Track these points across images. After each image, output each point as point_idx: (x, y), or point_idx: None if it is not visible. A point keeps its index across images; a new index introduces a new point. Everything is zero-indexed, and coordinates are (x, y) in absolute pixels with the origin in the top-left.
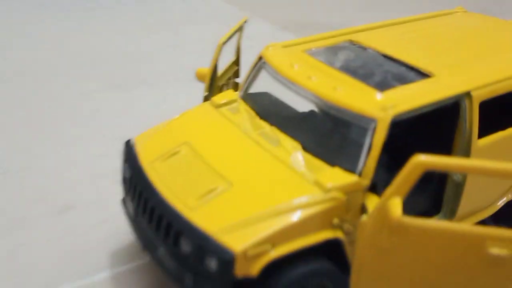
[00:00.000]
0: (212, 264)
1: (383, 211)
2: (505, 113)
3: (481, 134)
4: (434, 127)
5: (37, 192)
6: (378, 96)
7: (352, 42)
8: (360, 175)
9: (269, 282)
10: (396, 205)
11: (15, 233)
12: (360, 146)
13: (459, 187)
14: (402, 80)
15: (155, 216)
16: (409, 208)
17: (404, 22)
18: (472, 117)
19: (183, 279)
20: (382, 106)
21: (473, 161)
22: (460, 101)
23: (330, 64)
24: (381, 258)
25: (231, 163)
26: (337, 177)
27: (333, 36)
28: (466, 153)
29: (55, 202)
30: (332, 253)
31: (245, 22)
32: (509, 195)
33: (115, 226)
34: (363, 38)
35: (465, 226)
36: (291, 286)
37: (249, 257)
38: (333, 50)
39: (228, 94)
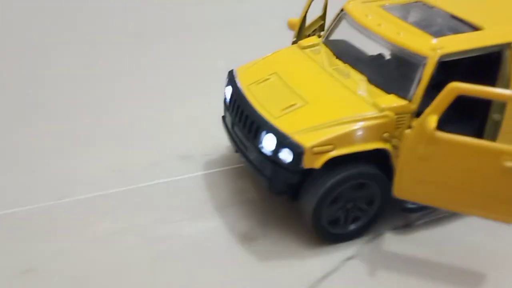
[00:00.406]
0: (287, 155)
1: (422, 124)
2: None
3: None
4: (480, 70)
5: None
6: (432, 40)
7: (421, 2)
8: (410, 101)
9: (329, 174)
10: (431, 120)
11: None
12: (413, 78)
13: (497, 125)
14: (455, 31)
15: (248, 122)
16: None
17: None
18: None
19: (265, 169)
20: (433, 47)
21: (496, 89)
22: (502, 50)
23: (398, 16)
24: (418, 163)
25: (308, 88)
26: (391, 101)
27: None
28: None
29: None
30: (382, 162)
31: None
32: None
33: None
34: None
35: (485, 142)
36: (345, 180)
37: (314, 152)
38: (404, 6)
39: (312, 39)
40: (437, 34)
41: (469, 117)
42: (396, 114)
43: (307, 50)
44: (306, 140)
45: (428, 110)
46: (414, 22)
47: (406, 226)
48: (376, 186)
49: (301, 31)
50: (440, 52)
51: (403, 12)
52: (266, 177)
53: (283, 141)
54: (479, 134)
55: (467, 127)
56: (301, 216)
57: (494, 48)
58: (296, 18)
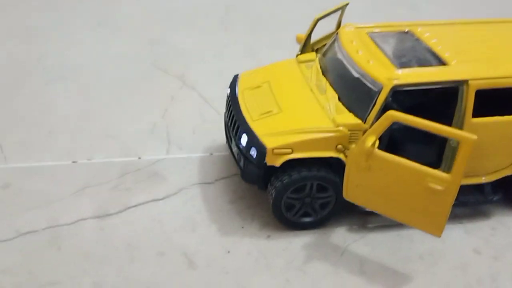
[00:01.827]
0: (254, 153)
1: (362, 142)
2: (502, 104)
3: (477, 114)
4: (440, 100)
5: None
6: (395, 70)
7: (408, 32)
8: (363, 121)
9: (288, 173)
10: (369, 139)
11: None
12: (369, 102)
13: (454, 150)
14: (422, 64)
15: (233, 120)
16: (421, 158)
17: (471, 23)
18: (468, 100)
19: (239, 161)
20: (389, 77)
21: (430, 122)
22: (459, 86)
23: (378, 44)
24: (360, 173)
25: (287, 98)
26: (347, 119)
27: (399, 25)
28: (461, 126)
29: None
30: (337, 168)
31: (347, 5)
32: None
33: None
34: (419, 30)
35: (412, 163)
36: (299, 180)
37: (275, 153)
38: (389, 35)
39: (310, 55)
40: (403, 65)
41: (431, 140)
42: (350, 130)
43: (302, 65)
44: (270, 143)
45: (369, 131)
46: (389, 51)
47: (361, 227)
48: (333, 190)
49: (305, 46)
50: (394, 83)
51: (386, 41)
52: (240, 168)
53: (252, 140)
54: (440, 156)
55: (432, 149)
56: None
57: (450, 83)
58: (303, 34)
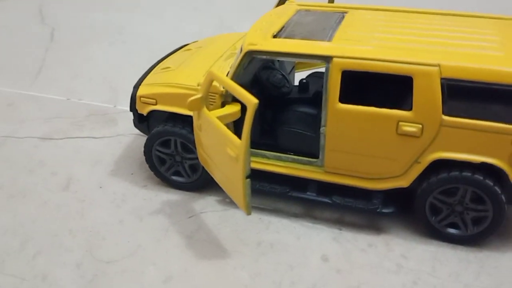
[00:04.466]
0: (130, 97)
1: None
2: (376, 93)
3: (347, 100)
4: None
5: None
6: (266, 39)
7: (341, 13)
8: None
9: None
10: (194, 97)
11: None
12: (233, 65)
13: (323, 137)
14: (310, 37)
15: None
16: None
17: (429, 13)
18: (332, 79)
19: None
20: (252, 42)
21: (231, 82)
22: (325, 63)
23: (291, 19)
24: (198, 132)
25: (193, 60)
26: None
27: (348, 7)
28: (326, 108)
29: None
30: None
31: None
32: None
33: None
34: (355, 13)
35: (221, 126)
36: (162, 133)
37: (142, 101)
38: (317, 14)
39: None
40: (288, 35)
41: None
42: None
43: None
44: (141, 91)
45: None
46: (291, 25)
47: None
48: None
49: None
50: (250, 48)
51: (305, 17)
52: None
53: (134, 88)
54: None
55: (314, 140)
56: None
57: (314, 58)
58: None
